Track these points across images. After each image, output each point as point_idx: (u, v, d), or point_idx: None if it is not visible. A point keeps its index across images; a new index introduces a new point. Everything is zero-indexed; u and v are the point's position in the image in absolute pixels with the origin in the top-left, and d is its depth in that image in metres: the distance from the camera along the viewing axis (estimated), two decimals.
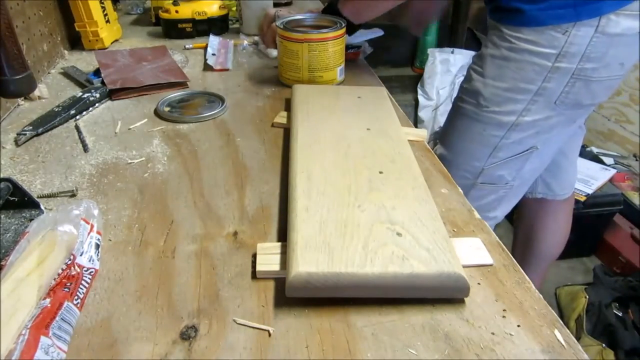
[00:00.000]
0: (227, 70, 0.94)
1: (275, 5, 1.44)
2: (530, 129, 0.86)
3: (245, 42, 1.10)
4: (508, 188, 0.95)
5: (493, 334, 0.39)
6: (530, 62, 0.79)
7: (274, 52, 0.99)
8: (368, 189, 0.51)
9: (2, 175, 0.55)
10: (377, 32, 1.00)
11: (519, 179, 0.95)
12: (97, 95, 0.79)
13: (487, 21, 0.88)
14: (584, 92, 0.81)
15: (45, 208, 0.51)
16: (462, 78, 0.96)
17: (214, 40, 1.05)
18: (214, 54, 0.98)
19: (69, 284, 0.39)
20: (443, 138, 0.97)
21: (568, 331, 0.39)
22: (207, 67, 0.95)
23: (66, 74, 0.91)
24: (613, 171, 1.83)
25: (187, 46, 1.08)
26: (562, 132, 0.90)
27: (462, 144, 0.93)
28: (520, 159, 0.91)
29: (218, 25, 1.17)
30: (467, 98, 0.89)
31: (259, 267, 0.44)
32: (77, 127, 0.71)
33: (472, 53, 2.03)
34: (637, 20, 0.73)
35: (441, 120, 2.07)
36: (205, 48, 1.05)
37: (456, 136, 0.93)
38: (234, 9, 1.26)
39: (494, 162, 0.91)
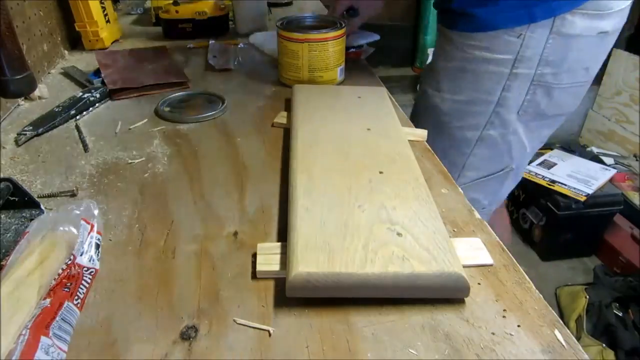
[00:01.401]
0: (228, 70, 0.94)
1: (275, 5, 1.44)
2: (500, 145, 0.80)
3: (241, 43, 1.10)
4: (484, 214, 0.87)
5: (493, 334, 0.39)
6: (487, 70, 0.74)
7: (269, 48, 0.99)
8: (368, 189, 0.51)
9: (2, 175, 0.55)
10: (374, 37, 0.99)
11: (495, 203, 0.88)
12: (97, 96, 0.79)
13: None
14: (546, 101, 0.75)
15: (46, 208, 0.51)
16: None
17: (214, 45, 1.06)
18: (214, 56, 0.98)
19: (69, 284, 0.39)
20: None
21: (568, 331, 0.39)
22: (208, 68, 0.95)
23: (66, 74, 0.91)
24: (613, 171, 1.83)
25: (189, 46, 1.08)
26: (534, 148, 0.83)
27: (456, 165, 0.85)
28: (496, 181, 0.84)
29: (218, 25, 1.17)
30: (426, 116, 0.83)
31: (259, 267, 0.44)
32: (77, 127, 0.71)
33: None
34: (594, 20, 0.68)
35: None
36: (206, 48, 1.05)
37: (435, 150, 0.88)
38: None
39: (465, 182, 0.85)
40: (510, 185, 0.87)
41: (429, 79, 0.82)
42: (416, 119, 0.87)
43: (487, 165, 0.83)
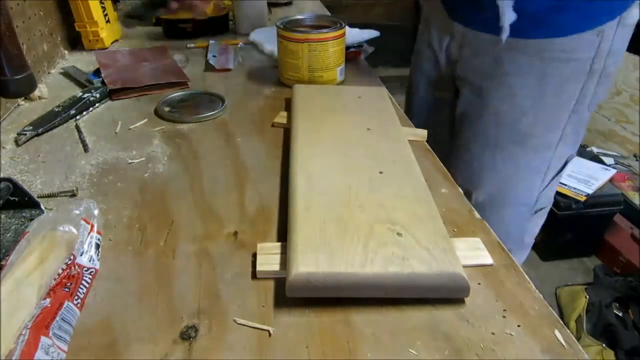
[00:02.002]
0: (229, 70, 0.94)
1: (275, 5, 1.44)
2: (571, 138, 0.80)
3: (241, 43, 1.10)
4: (549, 207, 0.90)
5: (493, 334, 0.39)
6: (569, 72, 0.73)
7: (229, 64, 0.97)
8: (368, 189, 0.51)
9: (2, 175, 0.55)
10: (374, 33, 0.99)
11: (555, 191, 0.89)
12: (97, 95, 0.79)
13: (486, 39, 0.76)
14: (605, 89, 0.76)
15: (46, 208, 0.51)
16: None
17: (214, 45, 1.06)
18: (214, 56, 0.98)
19: (69, 284, 0.39)
20: (480, 183, 0.85)
21: (568, 331, 0.39)
22: (208, 68, 0.95)
23: (66, 74, 0.91)
24: (613, 171, 1.83)
25: (189, 45, 1.09)
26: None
27: (510, 180, 0.83)
28: (559, 175, 0.85)
29: (218, 25, 1.17)
30: (499, 131, 0.79)
31: (259, 267, 0.44)
32: (77, 127, 0.71)
33: None
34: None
35: None
36: (206, 48, 1.05)
37: (500, 173, 0.83)
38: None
39: (546, 184, 0.84)
40: (566, 171, 0.89)
41: (496, 95, 0.78)
42: (479, 139, 0.83)
43: (560, 161, 0.83)
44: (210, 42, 1.07)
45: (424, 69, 0.94)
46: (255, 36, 1.09)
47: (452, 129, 0.92)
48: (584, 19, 0.69)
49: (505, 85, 0.76)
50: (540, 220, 0.91)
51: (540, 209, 0.88)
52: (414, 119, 0.83)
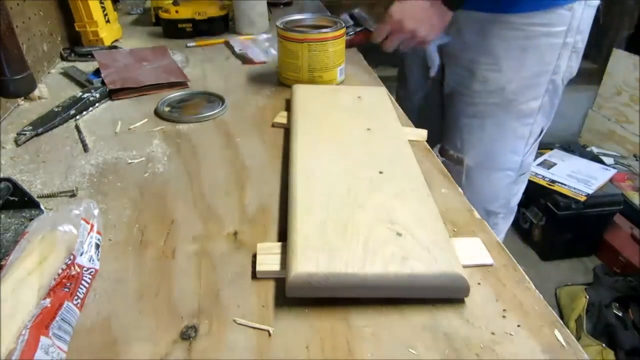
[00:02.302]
0: (263, 62, 0.97)
1: (275, 5, 1.44)
2: (547, 109, 0.90)
3: (265, 35, 1.12)
4: (529, 173, 1.00)
5: (493, 334, 0.39)
6: (547, 43, 0.82)
7: (261, 57, 0.99)
8: (368, 189, 0.51)
9: (2, 175, 0.55)
10: (445, 38, 0.93)
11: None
12: (97, 95, 0.79)
13: (471, 16, 0.85)
14: (574, 66, 0.87)
15: (46, 208, 0.51)
16: None
17: (235, 40, 1.07)
18: (241, 50, 0.98)
19: (69, 284, 0.39)
20: (469, 148, 0.95)
21: (568, 331, 0.39)
22: (246, 61, 0.97)
23: (66, 74, 0.91)
24: (613, 171, 1.83)
25: (188, 44, 1.09)
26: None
27: (498, 145, 0.92)
28: (537, 142, 0.95)
29: (218, 25, 1.17)
30: (487, 99, 0.88)
31: (259, 267, 0.44)
32: (77, 127, 0.71)
33: None
34: None
35: None
36: (206, 46, 1.05)
37: (488, 140, 0.92)
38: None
39: (527, 150, 0.94)
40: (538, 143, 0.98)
41: (482, 64, 0.87)
42: (468, 107, 0.91)
43: (538, 129, 0.93)
44: (230, 39, 1.08)
45: (417, 54, 1.00)
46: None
47: (442, 110, 1.01)
48: None
49: (492, 56, 0.85)
50: (522, 185, 1.01)
51: (523, 174, 0.98)
52: (406, 103, 0.92)
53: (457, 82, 0.93)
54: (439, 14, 0.80)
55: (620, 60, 2.17)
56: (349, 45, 0.92)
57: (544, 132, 0.95)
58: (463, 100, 0.93)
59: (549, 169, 1.83)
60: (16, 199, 0.49)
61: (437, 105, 1.02)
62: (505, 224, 1.05)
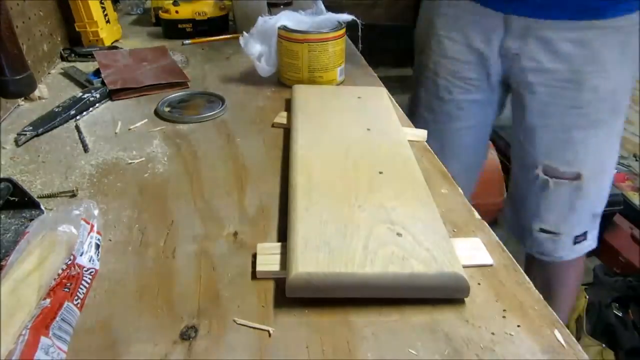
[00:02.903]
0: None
1: (275, 5, 1.44)
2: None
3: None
4: None
5: (493, 334, 0.39)
6: (637, 39, 0.82)
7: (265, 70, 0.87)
8: (368, 189, 0.51)
9: (2, 176, 0.55)
10: (348, 17, 0.87)
11: None
12: (97, 96, 0.79)
13: (565, 26, 0.81)
14: None
15: (46, 208, 0.51)
16: None
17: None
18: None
19: (69, 284, 0.39)
20: (586, 160, 0.89)
21: (568, 331, 0.39)
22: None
23: (66, 74, 0.91)
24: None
25: (185, 42, 1.09)
26: None
27: (611, 149, 0.92)
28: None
29: (218, 25, 1.17)
30: (600, 107, 0.85)
31: (259, 268, 0.44)
32: (77, 128, 0.71)
33: None
34: None
35: None
36: (204, 44, 1.05)
37: (603, 147, 0.90)
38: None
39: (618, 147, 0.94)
40: None
41: (591, 75, 0.84)
42: (581, 120, 0.87)
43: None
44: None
45: (457, 74, 0.95)
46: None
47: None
48: None
49: (598, 63, 0.83)
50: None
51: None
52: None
53: (552, 97, 0.87)
54: None
55: None
56: None
57: None
58: (572, 112, 0.87)
59: None
60: (16, 199, 0.49)
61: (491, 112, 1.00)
62: (598, 225, 1.03)
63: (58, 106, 0.75)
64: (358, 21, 0.87)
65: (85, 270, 0.42)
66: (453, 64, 0.94)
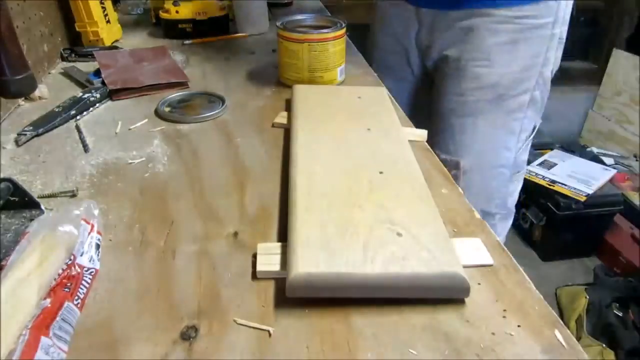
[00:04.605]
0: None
1: (275, 5, 1.44)
2: (538, 104, 0.89)
3: None
4: (525, 172, 0.99)
5: (493, 334, 0.39)
6: (536, 35, 0.82)
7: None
8: (368, 189, 0.51)
9: (2, 176, 0.55)
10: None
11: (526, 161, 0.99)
12: (98, 96, 0.79)
13: (458, 14, 0.84)
14: (559, 58, 0.87)
15: (46, 208, 0.51)
16: None
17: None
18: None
19: (69, 284, 0.39)
20: (464, 150, 0.92)
21: (568, 331, 0.39)
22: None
23: (66, 74, 0.91)
24: (613, 171, 1.83)
25: (185, 42, 1.09)
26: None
27: (491, 142, 0.91)
28: (530, 140, 0.94)
29: (218, 25, 1.17)
30: (479, 96, 0.87)
31: (259, 267, 0.44)
32: (77, 128, 0.71)
33: None
34: None
35: None
36: (204, 44, 1.05)
37: (481, 138, 0.91)
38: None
39: (520, 146, 0.93)
40: (530, 143, 0.97)
41: (472, 60, 0.85)
42: (459, 106, 0.89)
43: (529, 125, 0.92)
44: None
45: (393, 68, 1.00)
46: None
47: (429, 116, 0.98)
48: None
49: (483, 51, 0.84)
50: (518, 184, 1.00)
51: (517, 172, 0.97)
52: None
53: (447, 83, 0.91)
54: None
55: (620, 61, 2.17)
56: None
57: (536, 129, 0.93)
58: (453, 99, 0.90)
59: (549, 169, 1.83)
60: (16, 200, 0.49)
61: (425, 104, 1.00)
62: (503, 226, 1.04)
63: (58, 106, 0.75)
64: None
65: (86, 270, 0.42)
66: (382, 55, 1.01)
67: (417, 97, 1.02)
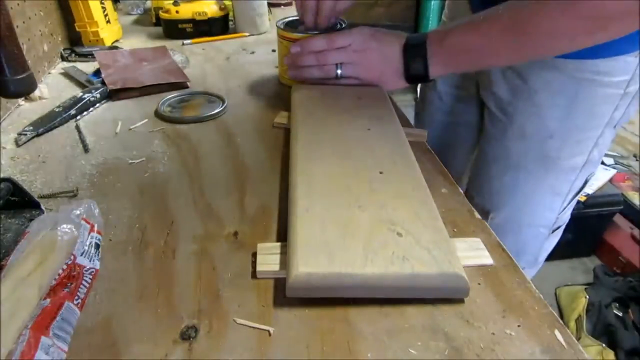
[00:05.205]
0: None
1: (275, 5, 1.44)
2: (597, 159, 0.77)
3: None
4: (564, 226, 0.86)
5: (493, 334, 0.39)
6: (604, 94, 0.68)
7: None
8: (368, 189, 0.51)
9: (2, 175, 0.55)
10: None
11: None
12: (98, 96, 0.79)
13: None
14: (635, 108, 0.72)
15: (46, 208, 0.51)
16: None
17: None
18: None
19: (69, 284, 0.39)
20: (498, 203, 0.81)
21: (568, 331, 0.39)
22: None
23: (67, 74, 0.91)
24: (613, 171, 1.84)
25: (185, 42, 1.09)
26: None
27: (531, 203, 0.80)
28: (580, 192, 0.82)
29: (218, 25, 1.18)
30: (523, 152, 0.76)
31: (259, 267, 0.44)
32: (77, 128, 0.71)
33: None
34: None
35: None
36: (203, 43, 1.05)
37: (521, 196, 0.79)
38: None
39: (565, 206, 0.81)
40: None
41: (522, 112, 0.73)
42: (501, 161, 0.79)
43: (580, 182, 0.79)
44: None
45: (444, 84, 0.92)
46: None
47: (472, 146, 0.92)
48: (624, 42, 0.60)
49: (533, 104, 0.71)
50: (555, 239, 0.88)
51: (557, 228, 0.84)
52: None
53: (494, 122, 0.79)
54: (393, 74, 0.70)
55: None
56: None
57: (588, 183, 0.81)
58: (496, 145, 0.79)
59: None
60: (17, 199, 0.49)
61: (466, 141, 0.93)
62: (526, 273, 0.94)
63: (58, 106, 0.75)
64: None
65: (86, 270, 0.42)
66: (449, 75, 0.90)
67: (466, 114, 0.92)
